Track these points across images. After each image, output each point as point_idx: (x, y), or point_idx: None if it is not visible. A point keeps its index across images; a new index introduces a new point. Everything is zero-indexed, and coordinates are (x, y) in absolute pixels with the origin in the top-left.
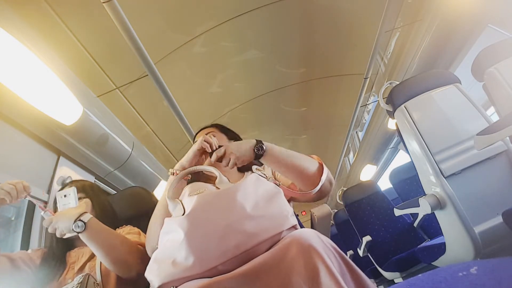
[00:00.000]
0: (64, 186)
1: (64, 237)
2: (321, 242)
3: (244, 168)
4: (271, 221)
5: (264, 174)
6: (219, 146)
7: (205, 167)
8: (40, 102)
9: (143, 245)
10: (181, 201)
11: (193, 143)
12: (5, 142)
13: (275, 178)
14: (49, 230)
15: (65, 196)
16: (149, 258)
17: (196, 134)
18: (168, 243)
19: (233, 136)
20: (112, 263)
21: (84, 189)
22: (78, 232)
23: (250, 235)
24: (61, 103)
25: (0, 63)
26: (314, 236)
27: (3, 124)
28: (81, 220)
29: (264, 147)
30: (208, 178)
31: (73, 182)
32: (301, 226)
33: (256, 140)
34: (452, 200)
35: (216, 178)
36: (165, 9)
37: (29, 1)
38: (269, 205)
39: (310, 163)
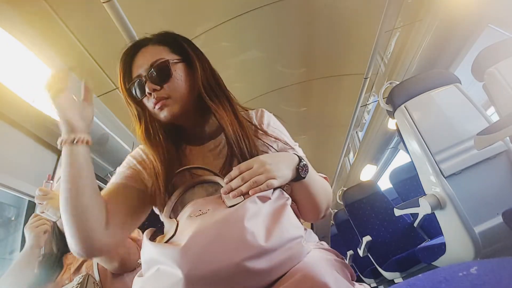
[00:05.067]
0: None
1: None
2: (335, 279)
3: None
4: (285, 253)
5: None
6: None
7: (211, 178)
8: (40, 102)
9: (134, 239)
10: (178, 221)
11: (122, 78)
12: (5, 142)
13: None
14: (38, 210)
15: None
16: (137, 251)
17: (130, 56)
18: (160, 277)
19: (203, 70)
20: None
21: None
22: None
23: (263, 274)
24: None
25: (0, 63)
26: (328, 272)
27: (3, 124)
28: None
29: (307, 166)
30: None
31: None
32: None
33: (297, 155)
34: (452, 200)
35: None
36: (165, 9)
37: (29, 1)
38: (281, 229)
39: (326, 195)
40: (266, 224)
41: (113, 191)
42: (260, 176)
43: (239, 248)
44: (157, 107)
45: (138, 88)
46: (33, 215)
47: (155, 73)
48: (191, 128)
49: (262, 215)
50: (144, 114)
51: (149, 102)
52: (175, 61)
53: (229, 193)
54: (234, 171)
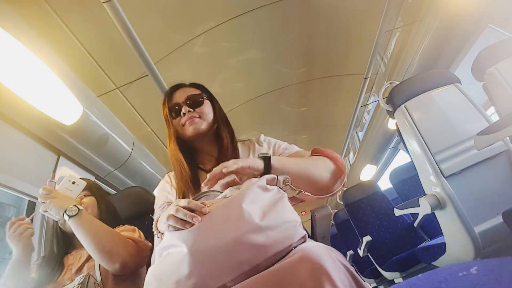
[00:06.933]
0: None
1: (51, 216)
2: (332, 261)
3: None
4: (281, 233)
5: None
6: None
7: (213, 188)
8: (40, 102)
9: (135, 240)
10: None
11: (166, 105)
12: (5, 142)
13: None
14: (41, 209)
15: (73, 183)
16: (138, 253)
17: (171, 93)
18: (169, 258)
19: (219, 109)
20: (98, 251)
21: (91, 187)
22: (70, 216)
23: (260, 248)
24: (61, 103)
25: (0, 63)
26: (325, 254)
27: (3, 124)
28: (76, 207)
29: (269, 155)
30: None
31: (83, 179)
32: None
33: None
34: (452, 200)
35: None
36: (165, 9)
37: (29, 1)
38: (277, 213)
39: (323, 170)
40: (263, 209)
41: None
42: (231, 164)
43: (237, 225)
44: (188, 122)
45: (175, 111)
46: (10, 222)
47: (191, 100)
48: (204, 151)
49: (259, 202)
50: (174, 134)
51: (181, 120)
52: (204, 97)
53: (214, 180)
54: (218, 167)
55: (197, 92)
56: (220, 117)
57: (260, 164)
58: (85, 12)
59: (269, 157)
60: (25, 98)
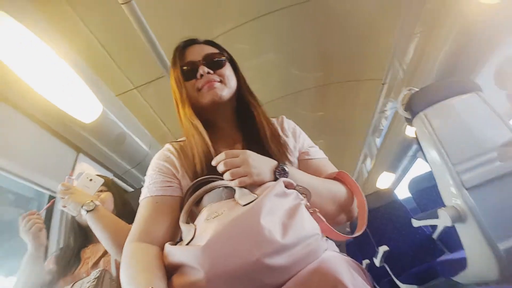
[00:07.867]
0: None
1: (70, 212)
2: (349, 274)
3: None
4: (303, 250)
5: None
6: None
7: (222, 183)
8: (62, 101)
9: None
10: (195, 225)
11: (178, 64)
12: (28, 139)
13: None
14: (60, 204)
15: (90, 180)
16: None
17: (183, 48)
18: (181, 277)
19: (243, 78)
20: (113, 246)
21: (108, 183)
22: (87, 211)
23: (283, 270)
24: (82, 102)
25: (25, 63)
26: (343, 266)
27: (27, 122)
28: (93, 202)
29: (287, 172)
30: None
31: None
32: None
33: (277, 162)
34: (473, 213)
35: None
36: (182, 11)
37: (51, 1)
38: (297, 226)
39: (340, 200)
40: (282, 220)
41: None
42: (239, 169)
43: (257, 245)
44: (207, 86)
45: (189, 71)
46: (21, 217)
47: (209, 60)
48: (220, 128)
49: (277, 212)
50: (187, 100)
51: (197, 84)
52: (225, 57)
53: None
54: (221, 155)
55: (216, 51)
56: (245, 87)
57: (266, 176)
58: (105, 12)
59: (284, 173)
60: (47, 97)
